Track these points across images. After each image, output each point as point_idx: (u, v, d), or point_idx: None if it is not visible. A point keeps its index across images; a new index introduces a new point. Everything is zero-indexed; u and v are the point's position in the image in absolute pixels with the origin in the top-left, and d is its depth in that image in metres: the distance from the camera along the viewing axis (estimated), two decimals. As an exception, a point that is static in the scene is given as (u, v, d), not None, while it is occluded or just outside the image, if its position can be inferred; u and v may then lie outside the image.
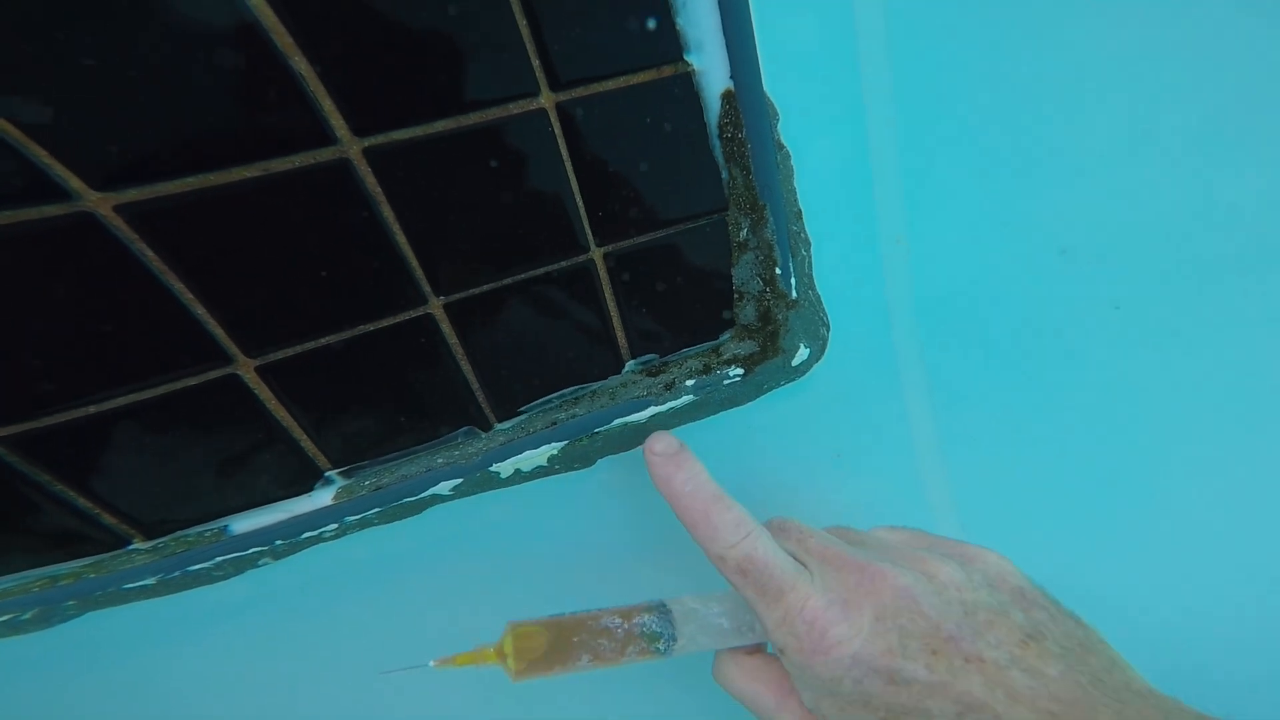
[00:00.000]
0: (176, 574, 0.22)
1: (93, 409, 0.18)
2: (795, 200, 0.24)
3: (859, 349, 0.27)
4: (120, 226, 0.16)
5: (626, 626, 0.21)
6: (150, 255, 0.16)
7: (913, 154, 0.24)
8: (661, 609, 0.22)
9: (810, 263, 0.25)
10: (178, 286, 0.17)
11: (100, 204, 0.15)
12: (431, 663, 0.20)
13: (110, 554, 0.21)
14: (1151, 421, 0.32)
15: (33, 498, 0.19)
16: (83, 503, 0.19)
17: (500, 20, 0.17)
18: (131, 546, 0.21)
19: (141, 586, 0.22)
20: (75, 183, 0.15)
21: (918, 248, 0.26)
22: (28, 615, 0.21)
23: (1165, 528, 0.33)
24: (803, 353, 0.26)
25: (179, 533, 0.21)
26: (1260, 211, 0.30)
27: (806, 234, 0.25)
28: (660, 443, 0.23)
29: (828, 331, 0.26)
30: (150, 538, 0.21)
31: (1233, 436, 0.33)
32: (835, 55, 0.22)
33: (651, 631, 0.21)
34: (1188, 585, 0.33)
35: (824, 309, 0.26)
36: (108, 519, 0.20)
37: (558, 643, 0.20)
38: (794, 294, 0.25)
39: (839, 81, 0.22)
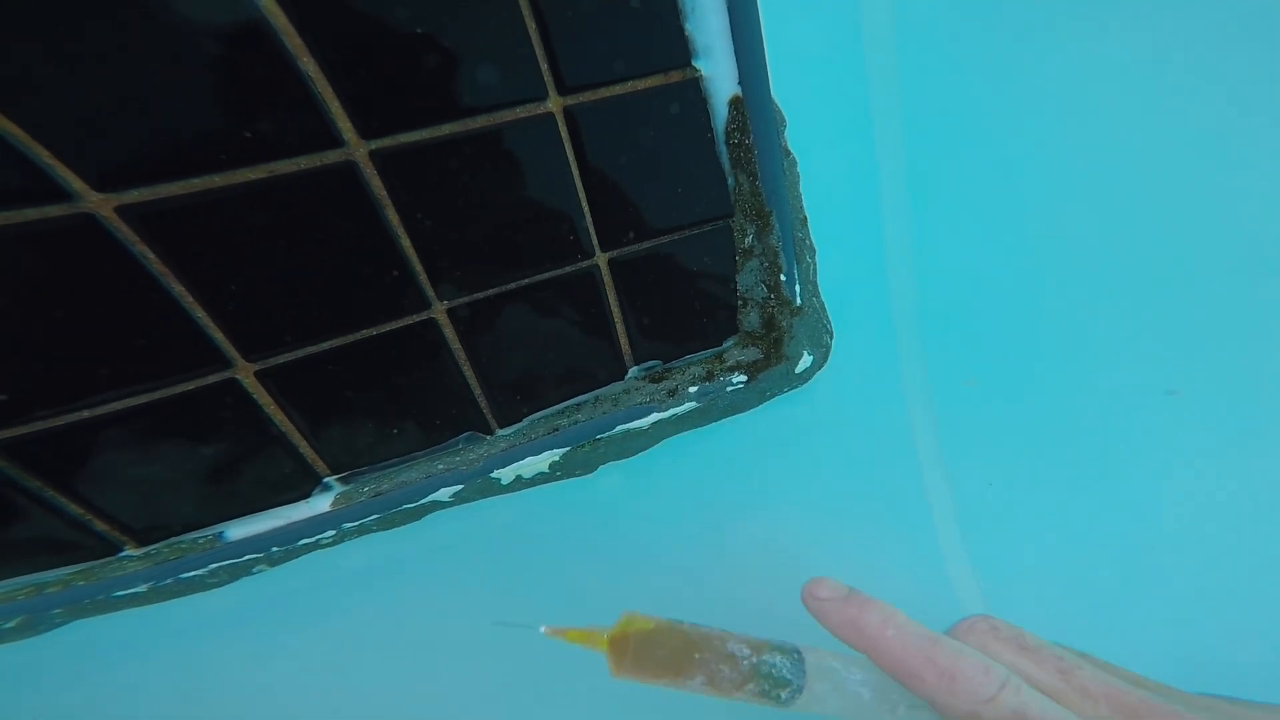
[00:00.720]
0: (169, 581, 0.21)
1: (87, 413, 0.17)
2: (801, 207, 0.24)
3: (863, 357, 0.27)
4: (121, 228, 0.16)
5: (754, 660, 0.19)
6: (151, 257, 0.16)
7: (919, 161, 0.24)
8: (795, 654, 0.19)
9: (815, 270, 0.25)
10: (178, 289, 0.17)
11: (101, 205, 0.15)
12: (542, 628, 0.19)
13: (101, 561, 0.20)
14: (1159, 429, 0.32)
15: (21, 503, 0.18)
16: (74, 509, 0.19)
17: (509, 24, 0.17)
18: (123, 553, 0.21)
19: (132, 594, 0.21)
20: (77, 183, 0.15)
21: (923, 255, 0.26)
22: (11, 624, 0.20)
23: (1171, 537, 0.33)
24: (806, 360, 0.26)
25: (172, 539, 0.21)
26: (1267, 217, 0.30)
27: (812, 241, 0.25)
28: (824, 588, 0.20)
29: (831, 339, 0.26)
30: (143, 544, 0.21)
31: (1238, 441, 0.33)
32: (843, 62, 0.22)
33: (780, 676, 0.19)
34: (1189, 589, 0.33)
35: (828, 316, 0.26)
36: (99, 525, 0.20)
37: (678, 651, 0.18)
38: (798, 301, 0.25)
39: (846, 88, 0.22)
